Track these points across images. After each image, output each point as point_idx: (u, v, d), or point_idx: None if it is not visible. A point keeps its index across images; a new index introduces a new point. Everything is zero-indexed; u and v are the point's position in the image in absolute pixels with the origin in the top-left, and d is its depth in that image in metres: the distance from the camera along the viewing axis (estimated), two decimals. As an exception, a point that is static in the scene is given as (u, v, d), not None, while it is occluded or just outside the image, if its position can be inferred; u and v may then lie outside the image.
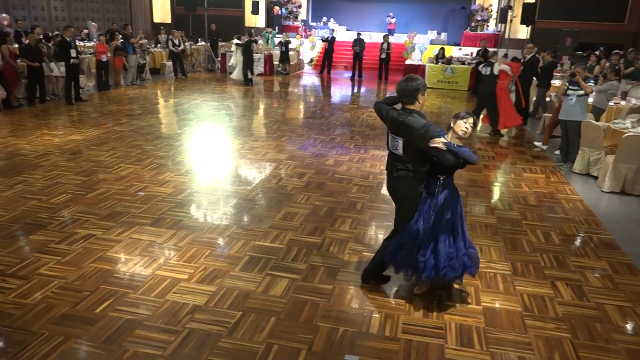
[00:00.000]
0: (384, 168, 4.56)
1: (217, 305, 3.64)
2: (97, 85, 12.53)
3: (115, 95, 12.04)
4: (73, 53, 10.46)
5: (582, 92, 7.20)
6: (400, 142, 3.61)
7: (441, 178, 3.69)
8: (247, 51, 14.43)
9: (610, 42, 17.63)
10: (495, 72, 8.92)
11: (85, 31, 16.41)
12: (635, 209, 6.04)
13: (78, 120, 9.25)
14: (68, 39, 10.41)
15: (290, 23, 23.27)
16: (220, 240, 4.66)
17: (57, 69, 10.94)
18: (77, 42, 14.37)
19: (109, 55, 12.34)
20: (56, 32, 12.47)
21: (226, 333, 3.34)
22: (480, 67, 9.52)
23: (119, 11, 19.98)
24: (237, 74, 14.85)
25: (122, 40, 12.90)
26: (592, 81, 7.57)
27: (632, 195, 6.40)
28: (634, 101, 9.16)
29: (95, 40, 14.66)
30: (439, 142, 3.43)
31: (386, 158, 3.88)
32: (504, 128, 9.43)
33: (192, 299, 3.69)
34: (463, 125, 3.63)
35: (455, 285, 3.97)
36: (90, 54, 12.97)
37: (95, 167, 6.54)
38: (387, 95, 4.05)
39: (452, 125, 3.71)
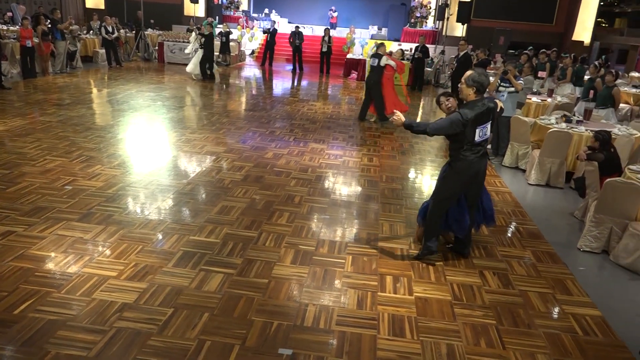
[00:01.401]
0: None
1: (148, 302, 3.53)
2: (22, 73, 11.77)
3: (42, 84, 11.37)
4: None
5: (512, 89, 7.54)
6: (489, 125, 4.18)
7: None
8: (209, 43, 13.43)
9: (539, 42, 18.59)
10: (382, 64, 9.64)
11: (9, 14, 15.39)
12: (558, 200, 6.40)
13: (0, 110, 8.66)
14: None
15: (231, 13, 22.85)
16: (153, 236, 4.51)
17: (-24, 54, 10.20)
18: (0, 26, 13.50)
19: (35, 40, 11.62)
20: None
21: (157, 331, 3.24)
22: (368, 58, 9.99)
23: (46, -6, 18.87)
24: (192, 67, 13.69)
25: (49, 26, 12.18)
26: (521, 79, 7.94)
27: (556, 188, 6.77)
28: (559, 98, 9.69)
29: (19, 24, 13.77)
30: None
31: (471, 155, 4.18)
32: (390, 113, 9.89)
33: (121, 297, 3.55)
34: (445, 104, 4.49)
35: None
36: (14, 38, 12.17)
37: (18, 160, 6.15)
38: (411, 120, 4.35)
39: (440, 105, 4.51)
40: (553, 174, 6.80)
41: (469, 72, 4.17)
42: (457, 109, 4.48)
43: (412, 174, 6.99)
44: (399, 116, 4.12)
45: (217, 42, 17.29)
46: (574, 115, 8.10)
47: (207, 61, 13.61)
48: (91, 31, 15.80)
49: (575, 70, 11.75)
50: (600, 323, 3.72)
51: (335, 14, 23.60)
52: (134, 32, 17.49)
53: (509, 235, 5.21)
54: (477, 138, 4.11)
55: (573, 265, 4.62)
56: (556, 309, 3.88)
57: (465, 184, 4.29)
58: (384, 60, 9.65)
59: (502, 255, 4.70)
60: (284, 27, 22.23)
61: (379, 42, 10.96)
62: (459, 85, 4.29)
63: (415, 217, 5.07)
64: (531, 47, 15.20)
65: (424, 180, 6.82)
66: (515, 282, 4.21)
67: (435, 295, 3.92)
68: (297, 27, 17.02)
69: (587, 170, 5.42)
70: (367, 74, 10.51)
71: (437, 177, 4.78)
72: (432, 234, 4.40)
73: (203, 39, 13.40)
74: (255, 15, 23.98)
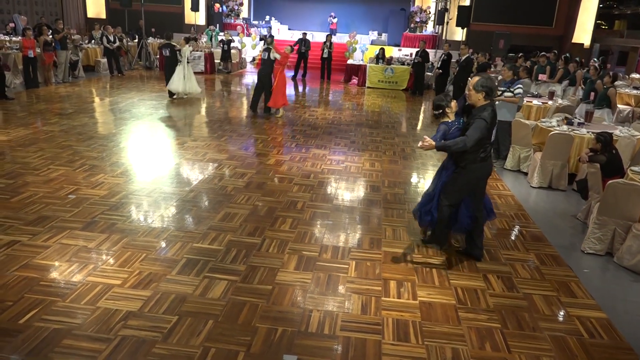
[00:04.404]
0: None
1: (152, 310, 3.53)
2: (25, 83, 11.84)
3: (45, 93, 11.43)
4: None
5: (509, 93, 7.53)
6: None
7: None
8: (172, 55, 11.68)
9: (539, 45, 18.61)
10: (272, 57, 10.29)
11: (12, 25, 15.48)
12: (561, 203, 6.39)
13: (3, 120, 8.71)
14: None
15: (232, 21, 22.96)
16: (157, 244, 4.52)
17: (-21, 65, 10.26)
18: (3, 37, 13.59)
19: (38, 50, 11.69)
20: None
21: (161, 339, 3.24)
22: (260, 51, 10.94)
23: (48, 4, 18.98)
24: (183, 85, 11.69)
25: (51, 36, 12.26)
26: (520, 83, 7.91)
27: (558, 190, 6.77)
28: (560, 101, 9.70)
29: (22, 35, 13.86)
30: None
31: (486, 156, 4.32)
32: (274, 107, 10.52)
33: (126, 305, 3.56)
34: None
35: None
36: (17, 49, 12.24)
37: (22, 169, 6.18)
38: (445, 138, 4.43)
39: (450, 106, 4.57)
40: (555, 176, 6.80)
41: (476, 78, 4.19)
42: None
43: (414, 179, 7.00)
44: (429, 142, 4.01)
45: (218, 50, 17.40)
46: (575, 117, 8.10)
47: (169, 75, 11.72)
48: (93, 41, 15.89)
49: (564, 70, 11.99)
50: (605, 325, 3.71)
51: (335, 20, 23.68)
52: (135, 40, 17.60)
53: (513, 238, 5.20)
54: (492, 138, 4.26)
55: (577, 267, 4.62)
56: (561, 312, 3.87)
57: (476, 183, 4.38)
58: (272, 54, 10.30)
59: (506, 258, 4.70)
60: (285, 33, 22.31)
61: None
62: (467, 91, 4.31)
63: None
64: (538, 52, 15.19)
65: (427, 184, 6.80)
66: (519, 285, 4.21)
67: (440, 299, 3.92)
68: (304, 34, 17.00)
69: (589, 172, 5.42)
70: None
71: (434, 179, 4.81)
72: (443, 232, 4.59)
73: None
74: (255, 22, 24.08)
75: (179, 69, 11.52)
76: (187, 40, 12.09)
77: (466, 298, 3.96)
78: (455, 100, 4.64)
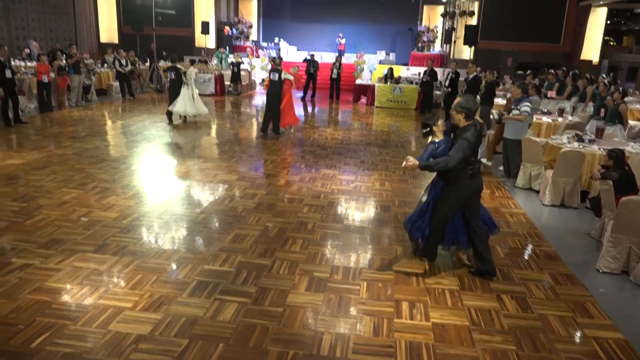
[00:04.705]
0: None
1: (163, 333, 3.52)
2: (39, 107, 12.04)
3: (58, 117, 11.61)
4: (8, 73, 9.99)
5: (516, 112, 7.52)
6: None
7: None
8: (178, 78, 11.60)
9: (547, 62, 18.62)
10: (282, 78, 10.45)
11: (27, 51, 15.81)
12: (574, 220, 6.32)
13: (17, 144, 8.85)
14: (2, 59, 9.93)
15: (241, 43, 23.27)
16: (167, 266, 4.53)
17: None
18: (18, 62, 13.87)
19: (52, 75, 11.91)
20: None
21: (172, 362, 3.22)
22: (268, 73, 10.98)
23: (62, 30, 19.39)
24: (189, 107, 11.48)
25: (65, 61, 12.50)
26: (528, 101, 7.89)
27: (571, 208, 6.70)
28: (570, 117, 9.65)
29: (36, 60, 14.13)
30: None
31: (474, 173, 4.41)
32: (284, 126, 10.78)
33: (137, 328, 3.55)
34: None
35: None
36: (31, 74, 12.49)
37: (35, 193, 6.25)
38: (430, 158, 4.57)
39: (437, 125, 4.70)
40: (567, 193, 6.73)
41: (457, 99, 4.35)
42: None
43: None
44: (413, 161, 4.17)
45: (228, 72, 17.62)
46: (586, 134, 8.05)
47: (173, 99, 11.56)
48: (105, 64, 16.18)
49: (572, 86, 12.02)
50: (623, 346, 3.63)
51: (343, 41, 23.90)
52: (147, 64, 17.89)
53: (526, 257, 5.14)
54: (479, 157, 4.25)
55: (592, 287, 4.54)
56: (577, 333, 3.80)
57: (466, 199, 4.43)
58: (284, 75, 10.45)
59: (520, 278, 4.63)
60: (293, 55, 22.54)
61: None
62: (450, 111, 4.46)
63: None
64: (545, 69, 15.17)
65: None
66: (534, 306, 4.14)
67: (453, 321, 3.86)
68: (312, 56, 17.09)
69: (602, 189, 5.36)
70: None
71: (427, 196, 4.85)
72: (435, 246, 4.71)
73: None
74: (264, 44, 24.38)
75: (184, 92, 11.44)
76: (192, 62, 12.26)
77: (480, 319, 3.90)
78: (442, 120, 4.79)
